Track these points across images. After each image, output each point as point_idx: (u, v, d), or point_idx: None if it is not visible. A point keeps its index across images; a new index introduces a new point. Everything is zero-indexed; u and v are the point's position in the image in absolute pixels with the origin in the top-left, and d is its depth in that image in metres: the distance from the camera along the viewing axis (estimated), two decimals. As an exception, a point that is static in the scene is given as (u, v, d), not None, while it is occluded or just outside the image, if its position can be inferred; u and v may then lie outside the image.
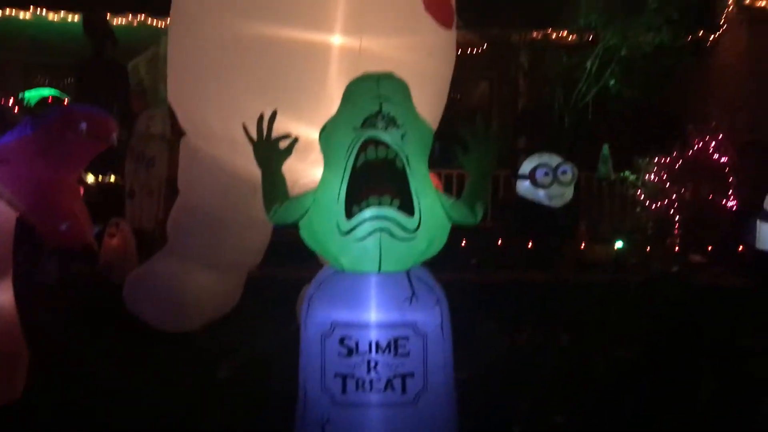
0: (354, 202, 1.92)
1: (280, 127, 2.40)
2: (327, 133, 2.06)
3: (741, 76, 8.77)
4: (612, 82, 8.38)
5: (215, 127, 3.14)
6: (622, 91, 8.34)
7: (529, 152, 7.02)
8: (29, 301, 2.71)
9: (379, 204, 1.91)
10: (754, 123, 7.57)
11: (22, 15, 9.70)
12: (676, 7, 7.93)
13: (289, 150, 2.15)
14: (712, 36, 9.47)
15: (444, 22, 3.04)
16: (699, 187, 6.45)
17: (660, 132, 7.16)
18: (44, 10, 9.62)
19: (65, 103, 9.20)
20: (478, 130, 2.12)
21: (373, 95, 1.99)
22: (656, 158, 6.75)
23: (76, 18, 9.29)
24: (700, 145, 6.56)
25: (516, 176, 6.55)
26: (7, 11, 9.64)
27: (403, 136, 1.97)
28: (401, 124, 1.97)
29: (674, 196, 6.48)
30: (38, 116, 3.85)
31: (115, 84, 6.71)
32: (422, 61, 3.16)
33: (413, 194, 1.95)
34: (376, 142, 1.95)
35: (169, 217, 3.75)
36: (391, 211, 1.92)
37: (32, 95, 8.62)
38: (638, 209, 6.82)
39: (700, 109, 8.00)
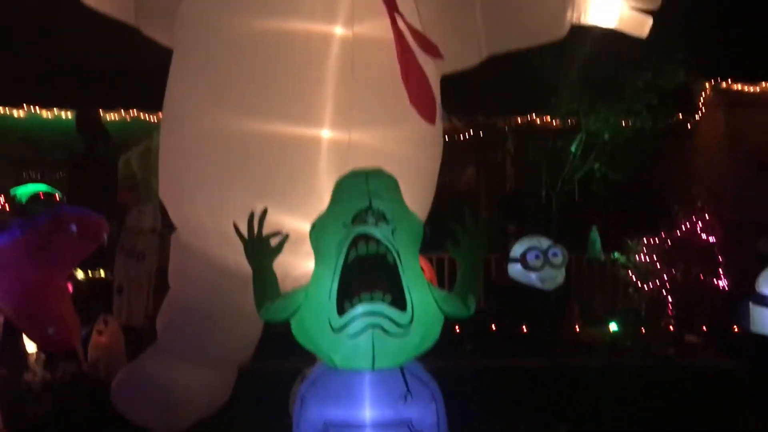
0: (346, 297, 1.92)
1: (270, 220, 2.42)
2: (318, 230, 2.07)
3: (722, 157, 9.00)
4: (597, 165, 8.56)
5: (205, 222, 3.14)
6: (607, 174, 8.51)
7: (519, 235, 7.06)
8: (15, 403, 2.65)
9: (371, 299, 1.91)
10: (738, 203, 7.68)
11: (16, 113, 9.87)
12: (654, 93, 8.19)
13: (279, 248, 2.16)
14: (692, 119, 9.76)
15: (428, 117, 3.09)
16: (689, 267, 6.48)
17: (647, 213, 7.25)
18: (38, 107, 9.80)
19: (57, 198, 9.25)
20: (467, 224, 2.14)
21: (362, 191, 2.01)
22: (645, 239, 6.80)
23: (70, 115, 9.45)
24: (688, 225, 6.63)
25: (507, 259, 6.57)
26: (0, 110, 9.81)
27: (393, 231, 1.98)
28: (391, 219, 1.99)
29: (665, 276, 6.50)
30: (28, 218, 3.86)
31: (106, 180, 6.77)
32: (410, 152, 3.20)
33: (405, 289, 1.95)
34: (367, 238, 1.96)
35: (159, 312, 3.69)
36: (383, 307, 1.91)
37: (23, 191, 8.64)
38: (630, 290, 6.81)
39: (685, 189, 8.13)
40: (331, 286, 1.94)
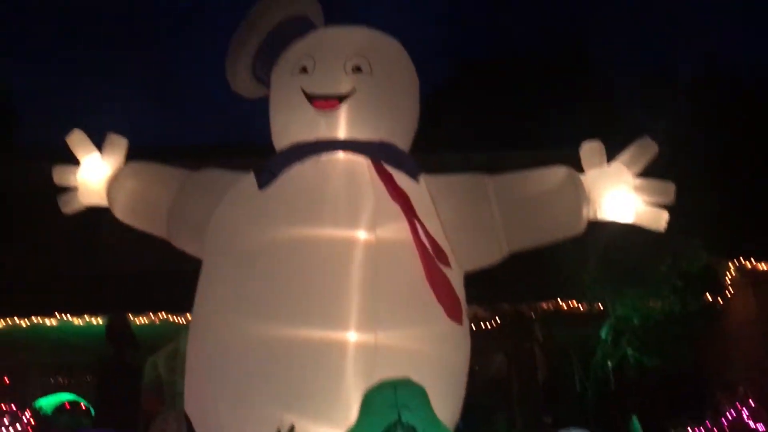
0: None
1: (298, 429, 2.34)
2: (348, 446, 2.00)
3: (755, 337, 8.79)
4: (629, 351, 8.38)
5: (230, 433, 3.04)
6: (641, 360, 8.31)
7: (556, 427, 6.76)
8: None
9: None
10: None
11: (48, 321, 10.07)
12: (680, 276, 8.20)
13: None
14: (721, 299, 9.66)
15: (454, 317, 3.09)
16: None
17: (688, 399, 6.96)
18: (68, 315, 10.00)
19: (82, 407, 9.15)
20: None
21: (391, 404, 1.98)
22: (689, 428, 6.47)
23: (100, 320, 9.59)
24: (733, 413, 6.33)
25: None
26: (34, 319, 10.02)
27: (423, 444, 1.91)
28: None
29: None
30: None
31: (132, 388, 6.71)
32: (438, 351, 3.16)
33: None
34: (397, 452, 1.89)
35: None
36: None
37: (48, 403, 8.59)
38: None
39: (723, 371, 7.87)
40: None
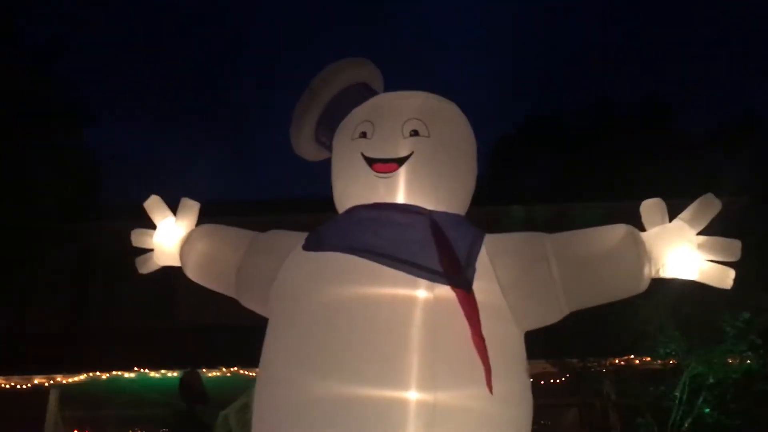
0: None
1: None
2: None
3: None
4: (707, 410, 7.99)
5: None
6: (719, 420, 7.90)
7: None
8: None
9: None
10: None
11: (125, 374, 10.40)
12: (757, 332, 7.83)
13: None
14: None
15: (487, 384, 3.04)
16: None
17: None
18: (147, 369, 10.32)
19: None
20: None
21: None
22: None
23: (175, 373, 9.85)
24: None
25: None
26: (113, 373, 10.37)
27: None
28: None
29: None
30: None
31: (205, 439, 6.85)
32: (498, 410, 3.11)
33: None
34: None
35: None
36: None
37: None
38: None
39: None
40: None
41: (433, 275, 3.09)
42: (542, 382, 9.93)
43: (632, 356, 9.10)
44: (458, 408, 2.98)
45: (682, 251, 3.17)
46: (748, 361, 7.93)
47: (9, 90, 15.35)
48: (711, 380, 7.89)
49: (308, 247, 3.36)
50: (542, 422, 12.36)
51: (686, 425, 7.99)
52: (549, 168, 18.13)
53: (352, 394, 3.00)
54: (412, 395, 2.98)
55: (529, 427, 3.44)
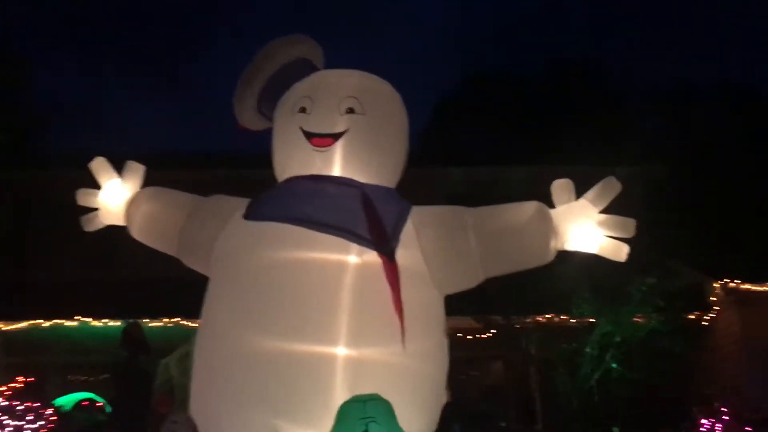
0: None
1: None
2: (323, 452, 2.25)
3: (738, 355, 8.95)
4: (614, 365, 8.57)
5: (228, 437, 3.28)
6: (624, 373, 8.50)
7: None
8: None
9: None
10: (756, 401, 7.54)
11: (67, 323, 10.42)
12: (661, 296, 8.39)
13: None
14: (706, 318, 9.84)
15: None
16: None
17: (667, 412, 7.15)
18: (88, 318, 10.36)
19: (100, 406, 9.47)
20: None
21: (360, 417, 2.23)
22: (666, 440, 6.67)
23: (117, 323, 9.91)
24: (708, 426, 6.52)
25: None
26: (55, 321, 10.37)
27: (389, 454, 2.16)
28: (385, 443, 2.18)
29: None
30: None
31: (145, 390, 7.02)
32: (416, 365, 3.38)
33: None
34: (365, 461, 2.14)
35: None
36: None
37: (67, 400, 8.90)
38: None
39: (702, 387, 8.06)
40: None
41: (361, 241, 3.33)
42: (469, 337, 10.43)
43: (550, 315, 9.62)
44: (380, 362, 3.25)
45: (584, 228, 3.47)
46: (653, 322, 8.53)
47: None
48: (617, 338, 8.46)
49: (248, 216, 3.54)
50: (472, 374, 12.96)
51: (595, 378, 8.58)
52: (490, 128, 18.32)
53: (286, 348, 3.23)
54: (341, 351, 3.23)
55: (444, 380, 3.75)
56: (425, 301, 3.49)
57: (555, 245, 3.49)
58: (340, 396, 3.07)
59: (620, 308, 8.35)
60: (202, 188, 4.07)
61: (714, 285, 9.63)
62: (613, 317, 8.40)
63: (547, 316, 9.73)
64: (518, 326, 9.53)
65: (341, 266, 3.32)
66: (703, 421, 6.51)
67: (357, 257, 3.33)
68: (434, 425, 3.55)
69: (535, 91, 21.29)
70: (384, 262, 3.30)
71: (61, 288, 10.97)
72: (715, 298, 9.76)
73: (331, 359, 3.19)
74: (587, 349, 8.59)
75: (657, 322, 8.47)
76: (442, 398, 3.77)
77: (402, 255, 3.39)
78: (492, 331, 9.93)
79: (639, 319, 8.69)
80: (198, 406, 3.59)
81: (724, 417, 6.46)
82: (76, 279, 11.34)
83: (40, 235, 12.48)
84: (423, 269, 3.45)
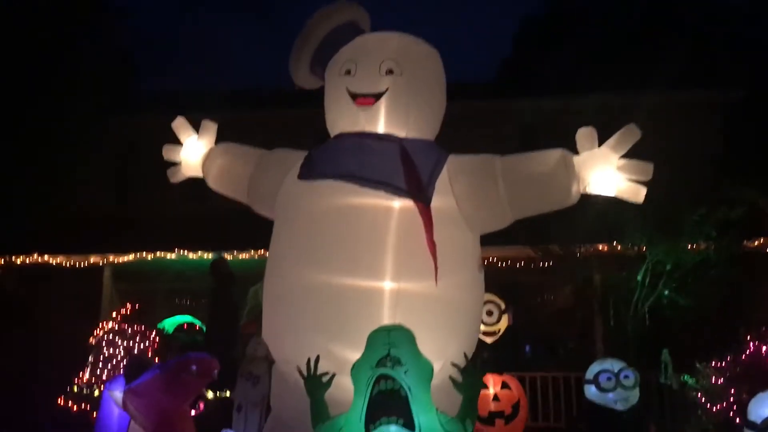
0: (370, 422, 2.48)
1: (341, 357, 3.00)
2: (354, 371, 2.66)
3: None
4: (666, 292, 8.63)
5: (291, 357, 3.75)
6: (676, 301, 8.55)
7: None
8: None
9: (388, 422, 2.46)
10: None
11: (168, 255, 11.31)
12: (713, 225, 8.31)
13: (329, 383, 2.76)
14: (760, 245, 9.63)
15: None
16: (755, 389, 6.40)
17: (717, 336, 7.25)
18: (186, 251, 11.21)
19: (196, 327, 10.38)
20: (466, 369, 2.67)
21: (384, 342, 2.61)
22: (713, 362, 6.81)
23: (210, 256, 10.71)
24: (754, 349, 6.62)
25: (585, 381, 6.76)
26: (158, 254, 11.28)
27: (406, 372, 2.55)
28: (405, 363, 2.56)
29: (732, 399, 6.45)
30: (164, 363, 4.81)
31: (233, 314, 7.76)
32: (455, 295, 3.71)
33: (414, 415, 2.48)
34: (386, 377, 2.53)
35: (264, 429, 4.28)
36: (397, 429, 2.45)
37: (169, 323, 9.80)
38: (699, 412, 6.77)
39: (755, 312, 8.04)
40: (361, 413, 2.51)
41: (399, 192, 3.66)
42: (540, 265, 10.68)
43: (604, 245, 9.70)
44: (419, 294, 3.60)
45: (605, 172, 3.66)
46: (705, 251, 8.48)
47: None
48: (668, 267, 8.48)
49: (302, 176, 3.89)
50: (545, 298, 13.25)
51: (647, 305, 8.68)
52: (560, 58, 17.77)
53: (340, 282, 3.63)
54: (387, 285, 3.61)
55: (479, 308, 4.09)
56: (459, 241, 3.80)
57: (577, 189, 3.70)
58: (386, 323, 3.47)
59: (670, 238, 8.33)
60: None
61: None
62: (664, 246, 8.41)
63: (601, 246, 9.81)
64: (577, 254, 9.65)
65: (386, 212, 3.67)
66: (750, 344, 6.60)
67: (399, 204, 3.68)
68: (471, 350, 3.91)
69: (608, 19, 20.43)
70: (419, 208, 3.64)
71: (160, 222, 11.88)
72: None
73: (379, 292, 3.55)
74: (638, 277, 8.67)
75: (707, 252, 8.42)
76: (478, 325, 4.14)
77: (437, 200, 3.70)
78: (550, 260, 10.10)
79: (693, 248, 8.64)
80: (267, 330, 4.07)
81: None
82: (174, 214, 12.23)
83: (141, 174, 13.36)
84: (456, 213, 3.75)
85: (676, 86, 12.31)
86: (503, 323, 9.35)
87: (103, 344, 7.85)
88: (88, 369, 7.91)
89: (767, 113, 12.27)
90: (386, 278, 3.60)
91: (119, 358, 7.69)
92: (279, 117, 13.63)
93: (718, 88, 12.64)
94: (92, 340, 8.06)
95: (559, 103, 13.00)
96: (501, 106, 14.10)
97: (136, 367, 4.86)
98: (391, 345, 2.59)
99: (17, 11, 15.48)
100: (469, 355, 3.28)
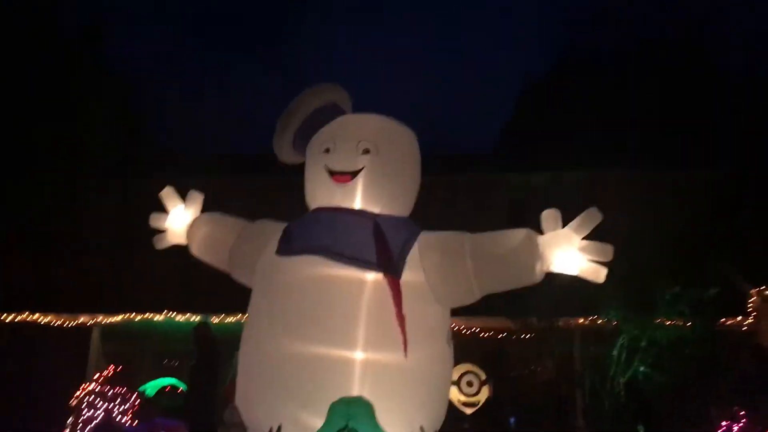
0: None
1: (311, 424, 3.06)
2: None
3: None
4: (641, 368, 8.62)
5: (263, 425, 3.73)
6: (650, 377, 8.53)
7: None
8: None
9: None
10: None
11: (156, 317, 11.30)
12: (688, 304, 8.37)
13: None
14: (745, 324, 9.67)
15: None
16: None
17: (690, 414, 7.22)
18: (173, 312, 11.22)
19: (180, 391, 10.25)
20: None
21: (343, 414, 2.67)
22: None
23: (197, 317, 10.70)
24: (725, 428, 6.60)
25: None
26: (146, 315, 11.27)
27: (364, 444, 2.60)
28: (362, 436, 2.61)
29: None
30: (133, 428, 4.85)
31: (209, 382, 7.72)
32: (423, 366, 3.76)
33: None
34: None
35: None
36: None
37: (151, 386, 9.69)
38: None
39: (723, 391, 8.01)
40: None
41: (371, 266, 3.77)
42: (513, 337, 10.67)
43: (582, 319, 9.73)
44: (388, 366, 3.65)
45: (567, 253, 3.76)
46: (679, 328, 8.50)
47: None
48: (643, 343, 8.50)
49: (280, 252, 3.98)
50: (531, 369, 13.13)
51: (623, 380, 8.65)
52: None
53: (312, 351, 3.68)
54: (358, 355, 3.67)
55: (447, 380, 4.13)
56: (428, 314, 3.88)
57: (541, 268, 3.80)
58: (356, 393, 3.50)
59: (644, 314, 8.38)
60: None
61: (750, 291, 9.47)
62: (639, 323, 8.45)
63: (580, 320, 9.84)
64: (553, 327, 9.66)
65: (359, 285, 3.76)
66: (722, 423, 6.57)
67: (371, 277, 3.78)
68: (439, 422, 3.94)
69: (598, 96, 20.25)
70: (389, 282, 3.74)
71: (149, 285, 11.89)
72: (752, 306, 9.60)
73: (350, 362, 3.60)
74: (614, 353, 8.68)
75: (684, 328, 8.45)
76: (446, 397, 4.17)
77: (407, 275, 3.80)
78: (529, 332, 10.11)
79: (667, 324, 8.67)
80: (241, 396, 4.10)
81: (742, 420, 6.52)
82: (162, 277, 12.23)
83: (131, 238, 13.44)
84: (425, 287, 3.84)
85: (654, 166, 12.63)
86: (483, 394, 9.30)
87: (83, 406, 7.75)
88: (68, 431, 7.79)
89: (744, 193, 12.50)
90: (357, 348, 3.66)
91: (99, 421, 7.59)
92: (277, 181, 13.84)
93: (696, 168, 12.96)
94: (73, 402, 7.97)
95: (547, 177, 13.34)
96: (491, 179, 14.42)
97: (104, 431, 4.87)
98: (350, 417, 2.65)
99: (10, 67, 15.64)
100: (437, 427, 3.30)
